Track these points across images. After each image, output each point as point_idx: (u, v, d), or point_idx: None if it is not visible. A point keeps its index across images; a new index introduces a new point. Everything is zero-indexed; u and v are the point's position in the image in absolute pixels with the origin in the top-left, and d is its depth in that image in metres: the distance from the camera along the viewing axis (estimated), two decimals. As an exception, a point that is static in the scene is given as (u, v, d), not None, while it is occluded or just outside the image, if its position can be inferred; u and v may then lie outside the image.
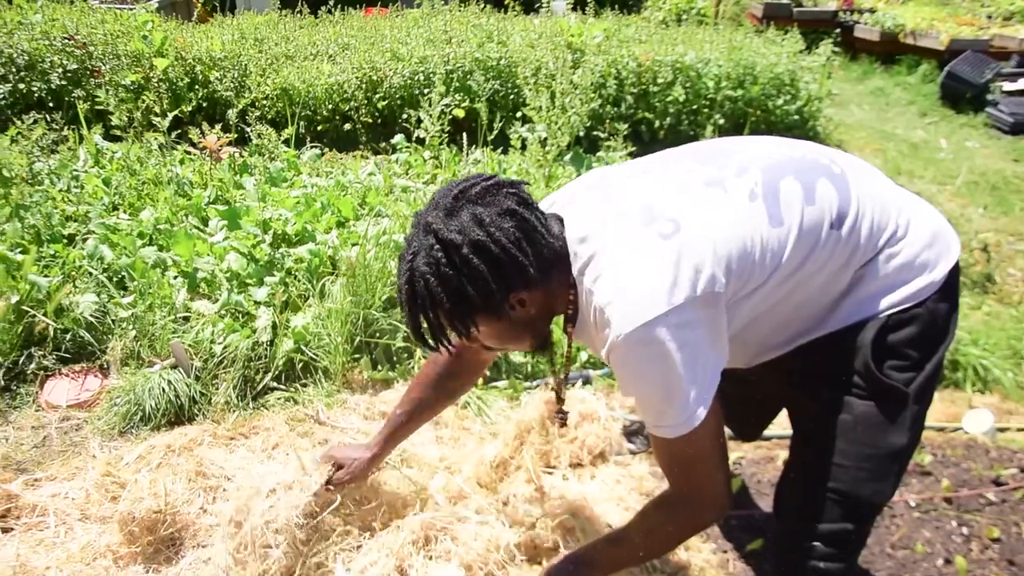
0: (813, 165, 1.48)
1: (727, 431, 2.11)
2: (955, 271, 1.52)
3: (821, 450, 1.56)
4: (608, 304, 1.36)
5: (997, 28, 9.37)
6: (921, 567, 2.26)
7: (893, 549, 2.33)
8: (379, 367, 3.02)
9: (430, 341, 1.46)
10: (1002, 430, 2.97)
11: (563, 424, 1.99)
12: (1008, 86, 7.94)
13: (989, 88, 7.89)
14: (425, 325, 1.43)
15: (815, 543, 1.57)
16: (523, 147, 4.35)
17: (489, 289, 1.37)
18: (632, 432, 2.73)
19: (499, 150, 4.83)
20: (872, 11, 10.17)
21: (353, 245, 3.30)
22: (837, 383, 1.54)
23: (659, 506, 1.59)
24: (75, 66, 5.96)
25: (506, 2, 8.18)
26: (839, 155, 1.55)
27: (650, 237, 1.36)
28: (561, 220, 1.50)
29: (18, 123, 4.25)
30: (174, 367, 2.95)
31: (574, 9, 6.96)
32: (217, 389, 2.93)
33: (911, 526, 2.43)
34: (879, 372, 1.47)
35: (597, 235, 1.42)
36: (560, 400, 1.93)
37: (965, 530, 2.42)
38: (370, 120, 6.11)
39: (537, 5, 7.41)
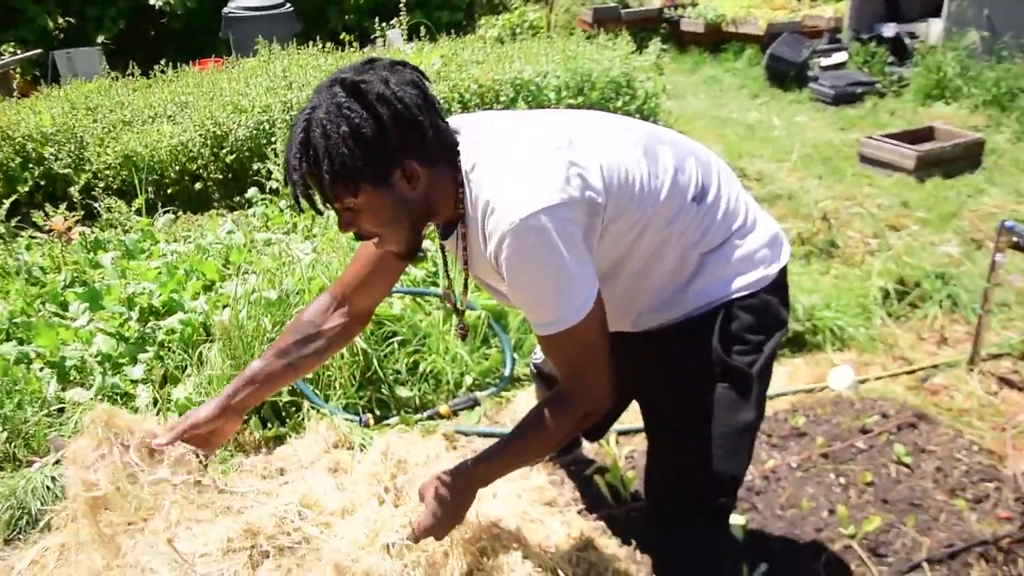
0: (684, 146, 1.65)
1: None
2: (784, 272, 1.70)
3: (679, 433, 1.70)
4: (500, 197, 1.41)
5: (807, 9, 10.14)
6: (809, 521, 2.47)
7: (782, 510, 2.54)
8: (269, 425, 3.04)
9: (316, 202, 1.43)
10: (863, 381, 3.26)
11: (464, 338, 2.00)
12: (824, 61, 8.60)
13: (808, 65, 8.52)
14: (312, 178, 1.38)
15: (686, 518, 1.71)
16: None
17: (387, 142, 1.36)
18: None
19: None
20: (695, 4, 10.79)
21: (224, 307, 3.29)
22: (690, 369, 1.67)
23: (551, 402, 1.63)
24: None
25: (345, 39, 8.21)
26: (708, 152, 1.72)
27: (544, 145, 1.45)
28: (454, 129, 1.54)
29: None
30: (57, 463, 2.86)
31: (409, 39, 7.08)
32: (105, 476, 2.86)
33: (795, 486, 2.64)
34: (727, 356, 1.62)
35: (491, 141, 1.49)
36: (459, 313, 1.88)
37: (843, 480, 2.66)
38: (220, 176, 6.02)
39: (373, 37, 7.48)
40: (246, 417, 3.01)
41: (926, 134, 6.06)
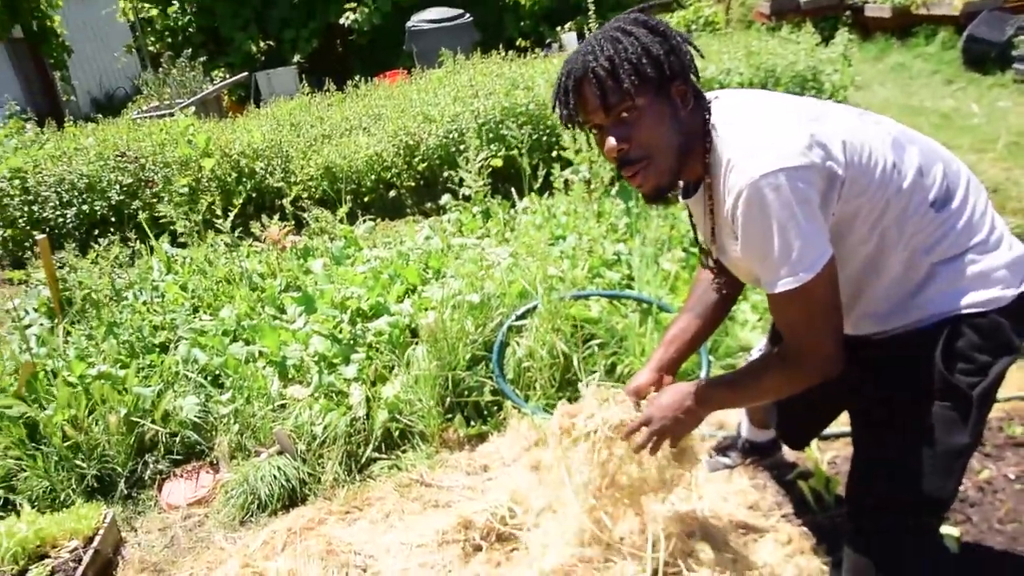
0: (935, 151, 1.61)
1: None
2: (1022, 299, 1.57)
3: (891, 447, 1.64)
4: (741, 155, 1.46)
5: (1011, -17, 9.32)
6: None
7: (1001, 524, 2.34)
8: (472, 423, 3.14)
9: (603, 96, 1.50)
10: None
11: (719, 291, 1.96)
12: (1033, 39, 7.87)
13: (1012, 44, 7.82)
14: (601, 73, 1.48)
15: (880, 539, 1.65)
16: (566, 188, 4.48)
17: (669, 61, 1.49)
18: (724, 448, 2.79)
19: (544, 194, 4.96)
20: (879, -12, 10.20)
21: (428, 310, 3.43)
22: (909, 382, 1.61)
23: (774, 358, 1.66)
24: (130, 180, 6.27)
25: (521, 45, 8.38)
26: (962, 163, 1.66)
27: (791, 114, 1.49)
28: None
29: (95, 246, 4.51)
30: (280, 453, 3.09)
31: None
32: (324, 468, 3.07)
33: (1015, 499, 2.43)
34: (949, 374, 1.54)
35: (738, 105, 1.56)
36: (715, 264, 1.84)
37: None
38: (413, 184, 6.31)
39: (548, 42, 7.57)
40: (449, 416, 3.14)
41: None
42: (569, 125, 1.59)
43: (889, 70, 9.00)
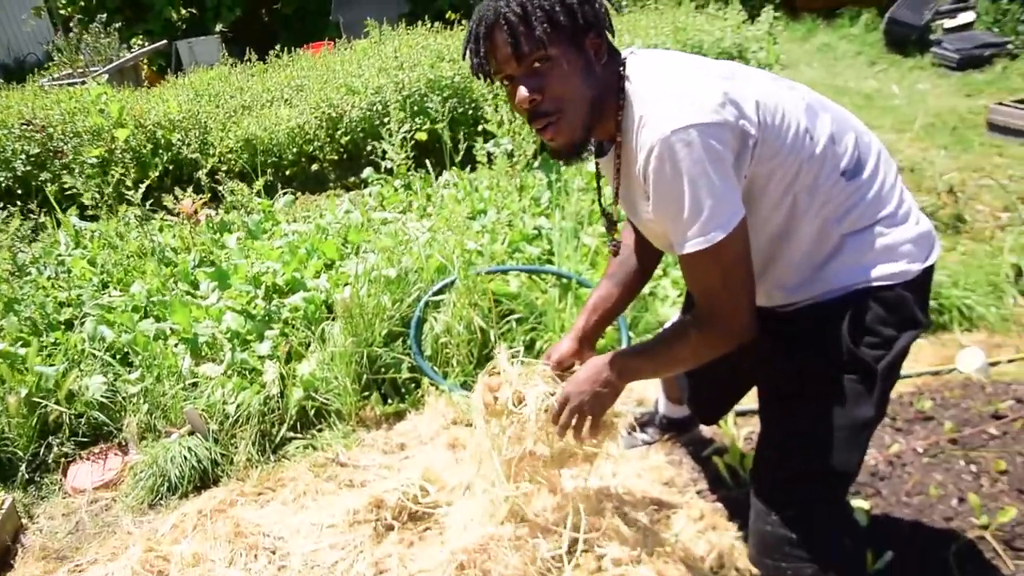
0: (847, 120, 1.60)
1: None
2: (929, 273, 1.60)
3: (792, 422, 1.65)
4: (653, 111, 1.42)
5: (930, -32, 9.55)
6: (937, 509, 2.34)
7: (908, 496, 2.41)
8: (389, 401, 3.10)
9: (518, 42, 1.45)
10: (994, 364, 3.06)
11: (615, 253, 1.97)
12: (948, 23, 8.10)
13: (931, 28, 8.04)
14: (502, 32, 1.44)
15: (789, 512, 1.65)
16: (490, 162, 4.44)
17: (583, 11, 1.45)
18: (642, 424, 2.81)
19: (467, 168, 4.91)
20: (809, -32, 10.36)
21: (345, 286, 3.37)
22: (816, 355, 1.61)
23: (686, 324, 1.61)
24: (37, 150, 5.99)
25: (450, 17, 8.26)
26: (873, 135, 1.65)
27: (706, 73, 1.46)
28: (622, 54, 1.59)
29: (-6, 218, 4.30)
30: (191, 433, 3.01)
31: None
32: (236, 448, 2.99)
33: (922, 472, 2.51)
34: (855, 347, 1.55)
35: (655, 64, 1.51)
36: (613, 225, 1.90)
37: (973, 467, 2.50)
38: (336, 157, 6.18)
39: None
40: (366, 393, 3.09)
41: None
42: (480, 75, 1.53)
43: (815, 50, 9.16)
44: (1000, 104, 5.56)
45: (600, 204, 1.86)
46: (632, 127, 1.48)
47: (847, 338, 1.54)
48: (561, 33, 1.45)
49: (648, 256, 1.95)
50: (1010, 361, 3.09)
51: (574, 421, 1.77)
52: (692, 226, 1.41)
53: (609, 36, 1.53)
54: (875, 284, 1.54)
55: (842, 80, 7.70)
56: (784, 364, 1.69)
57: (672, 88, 1.43)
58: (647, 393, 3.01)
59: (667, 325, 2.18)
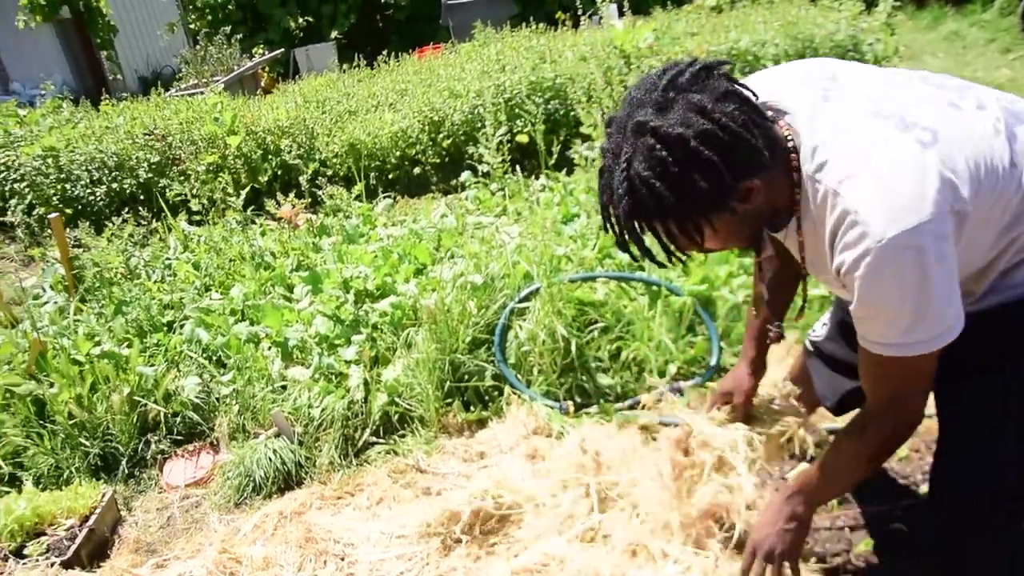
0: None
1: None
2: None
3: (985, 413, 1.52)
4: (864, 207, 1.25)
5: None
6: None
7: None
8: (472, 408, 3.06)
9: (658, 256, 1.38)
10: None
11: (777, 340, 1.90)
12: (1095, 1, 7.46)
13: (1075, 8, 7.43)
14: (651, 237, 1.34)
15: (983, 520, 1.55)
16: (587, 164, 4.35)
17: (721, 182, 1.27)
18: None
19: (563, 170, 4.84)
20: (936, -48, 9.76)
21: (432, 291, 3.36)
22: (1009, 350, 1.48)
23: (855, 426, 1.55)
24: (158, 158, 6.30)
25: (559, 18, 8.20)
26: None
27: (909, 144, 1.27)
28: (778, 110, 1.40)
29: (110, 224, 4.52)
30: (277, 435, 3.06)
31: (621, 14, 6.93)
32: (320, 451, 3.02)
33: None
34: None
35: (839, 135, 1.33)
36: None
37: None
38: (437, 160, 6.22)
39: (588, 14, 7.38)
40: (449, 400, 3.06)
41: None
42: None
43: (942, 39, 8.63)
44: None
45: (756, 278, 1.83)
46: (830, 218, 1.33)
47: None
48: (702, 223, 1.33)
49: (796, 274, 1.79)
50: None
51: (769, 572, 1.65)
52: (895, 333, 1.32)
53: (762, 141, 1.30)
54: None
55: (971, 70, 7.19)
56: (974, 358, 1.50)
57: (878, 176, 1.26)
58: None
59: (816, 328, 2.10)
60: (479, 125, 5.95)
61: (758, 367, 2.01)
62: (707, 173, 1.25)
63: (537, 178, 4.88)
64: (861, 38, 6.52)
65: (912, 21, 9.21)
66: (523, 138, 5.55)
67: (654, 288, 3.21)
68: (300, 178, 5.03)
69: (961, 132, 1.31)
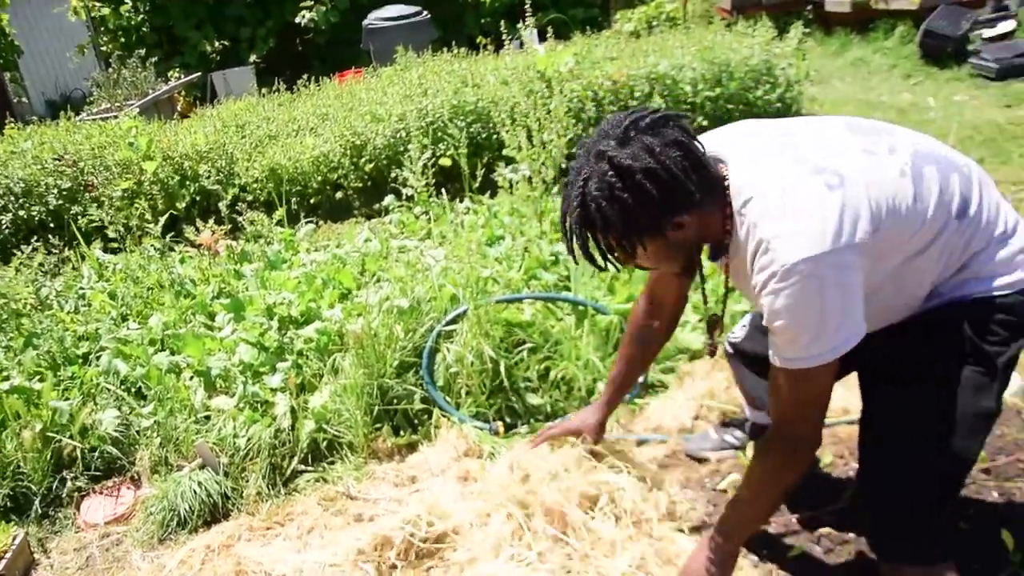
0: (949, 162, 1.67)
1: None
2: None
3: (915, 411, 1.68)
4: (775, 238, 1.49)
5: (968, -23, 9.34)
6: (968, 544, 2.17)
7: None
8: (401, 432, 3.04)
9: (598, 261, 1.62)
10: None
11: (712, 354, 2.09)
12: (987, 32, 7.87)
13: (968, 38, 7.84)
14: (593, 245, 1.59)
15: (912, 497, 1.67)
16: (511, 187, 4.39)
17: (656, 212, 1.52)
18: (730, 424, 2.74)
19: (487, 193, 4.87)
20: (840, -17, 10.18)
21: (358, 316, 3.33)
22: (938, 349, 1.67)
23: (762, 452, 1.72)
24: (69, 184, 6.09)
25: (481, 42, 8.27)
26: (969, 161, 1.74)
27: (818, 186, 1.51)
28: (720, 159, 1.65)
29: (18, 253, 4.35)
30: (202, 467, 2.98)
31: (542, 39, 7.03)
32: (247, 481, 2.96)
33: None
34: (980, 342, 1.62)
35: (761, 175, 1.57)
36: (713, 329, 2.04)
37: (1007, 499, 2.37)
38: (360, 184, 6.19)
39: (509, 38, 7.48)
40: (378, 425, 3.04)
41: None
42: None
43: (849, 64, 9.00)
44: (1041, 113, 5.38)
45: (704, 305, 2.02)
46: (749, 246, 1.56)
47: (970, 330, 1.62)
48: (636, 244, 1.57)
49: (674, 314, 2.21)
50: (1049, 386, 2.93)
51: None
52: (798, 348, 1.53)
53: (698, 184, 1.54)
54: (996, 293, 1.62)
55: (876, 94, 7.53)
56: (903, 360, 1.73)
57: (789, 209, 1.50)
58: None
59: (735, 331, 2.37)
60: (402, 149, 5.94)
61: (610, 407, 2.45)
62: (646, 203, 1.50)
63: (461, 201, 4.91)
64: (775, 63, 6.77)
65: (821, 47, 9.59)
66: (446, 161, 5.57)
67: (580, 308, 3.27)
68: (220, 204, 4.94)
69: (867, 176, 1.54)
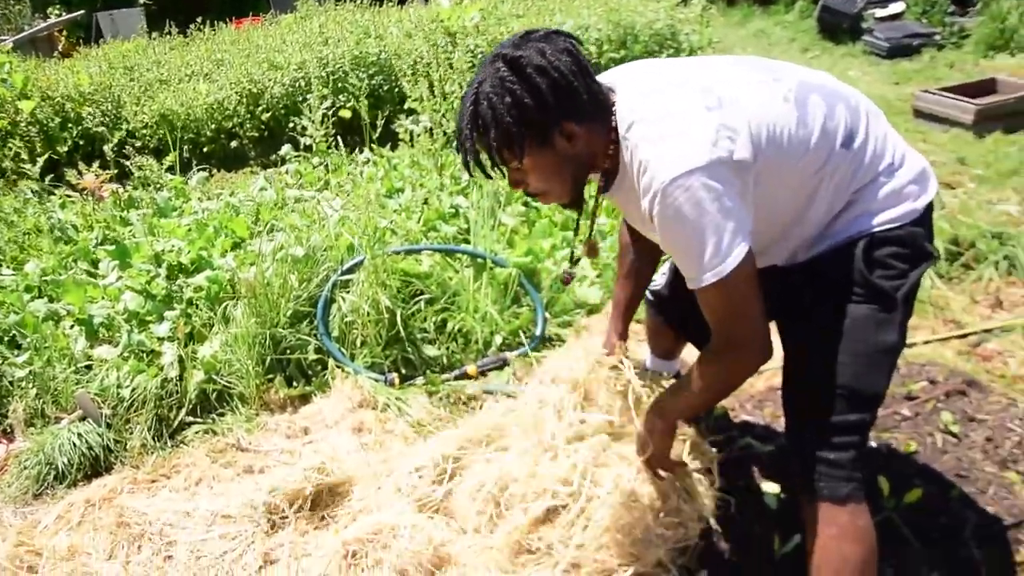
0: (835, 92, 1.67)
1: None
2: (931, 206, 1.70)
3: (823, 351, 1.70)
4: (653, 159, 1.49)
5: (865, -43, 9.65)
6: None
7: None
8: (295, 383, 2.98)
9: (487, 168, 1.60)
10: (910, 346, 3.05)
11: (567, 283, 2.12)
12: (880, 12, 8.18)
13: (863, 16, 8.13)
14: (482, 146, 1.56)
15: (825, 434, 1.70)
16: (412, 139, 4.33)
17: (546, 108, 1.50)
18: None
19: (388, 145, 4.79)
20: (744, -45, 10.39)
21: (251, 265, 3.24)
22: (835, 290, 1.69)
23: (707, 356, 1.70)
24: (-67, 122, 5.67)
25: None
26: (857, 93, 1.74)
27: (696, 107, 1.52)
28: (610, 88, 1.64)
29: None
30: (83, 419, 2.86)
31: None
32: (131, 433, 2.86)
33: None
34: (871, 277, 1.64)
35: (646, 100, 1.57)
36: (575, 262, 2.12)
37: (885, 448, 2.47)
38: (256, 134, 5.99)
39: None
40: (271, 376, 2.97)
41: (987, 87, 5.62)
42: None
43: (751, 35, 9.21)
44: (925, 91, 5.62)
45: (590, 233, 1.98)
46: (634, 170, 1.57)
47: (863, 268, 1.64)
48: (529, 142, 1.55)
49: (652, 247, 2.11)
50: (926, 343, 3.07)
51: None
52: (700, 263, 1.52)
53: (589, 97, 1.56)
54: (886, 227, 1.64)
55: (775, 66, 7.74)
56: (803, 305, 1.76)
57: (667, 130, 1.51)
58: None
59: (656, 279, 2.33)
60: (300, 98, 5.77)
61: (624, 337, 2.30)
62: (536, 97, 1.49)
63: (361, 152, 4.81)
64: (678, 28, 6.86)
65: (724, 17, 9.78)
66: (346, 113, 5.44)
67: (479, 260, 3.26)
68: (105, 148, 4.68)
69: (748, 100, 1.56)
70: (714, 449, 2.21)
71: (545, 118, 1.52)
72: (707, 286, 1.54)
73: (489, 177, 1.64)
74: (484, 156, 1.58)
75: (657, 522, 1.96)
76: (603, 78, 1.67)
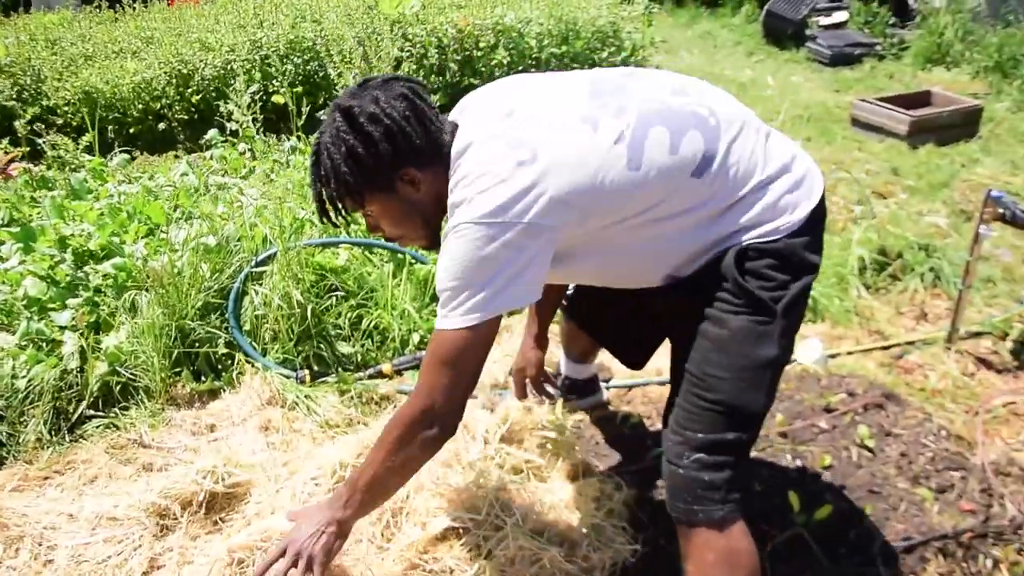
0: (689, 116, 1.59)
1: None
2: (816, 211, 1.65)
3: (700, 365, 1.65)
4: (456, 204, 1.51)
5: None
6: (759, 505, 2.23)
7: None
8: (203, 378, 2.89)
9: (332, 216, 1.62)
10: (833, 356, 3.06)
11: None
12: (824, 20, 8.35)
13: (807, 23, 8.27)
14: (327, 196, 1.59)
15: (700, 454, 1.63)
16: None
17: (380, 156, 1.53)
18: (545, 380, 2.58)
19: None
20: (690, -44, 10.47)
21: (162, 253, 3.12)
22: (710, 301, 1.64)
23: (394, 421, 1.61)
24: None
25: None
26: (723, 106, 1.67)
27: (508, 164, 1.48)
28: (455, 126, 1.65)
29: None
30: (-21, 410, 2.72)
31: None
32: (25, 427, 2.73)
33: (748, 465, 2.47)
34: (748, 286, 1.59)
35: (471, 148, 1.56)
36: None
37: (799, 462, 2.45)
38: (186, 116, 5.82)
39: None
40: (178, 370, 2.88)
41: (923, 99, 5.76)
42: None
43: (697, 37, 9.29)
44: (863, 101, 5.72)
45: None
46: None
47: (736, 276, 1.58)
48: (365, 193, 1.58)
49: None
50: (849, 353, 3.08)
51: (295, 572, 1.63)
52: (451, 304, 1.51)
53: (424, 140, 1.58)
54: (762, 241, 1.59)
55: (720, 68, 7.80)
56: (683, 318, 1.71)
57: (479, 187, 1.48)
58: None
59: None
60: (232, 81, 5.61)
61: (542, 340, 2.37)
62: (370, 147, 1.53)
63: (288, 139, 4.70)
64: (621, 26, 6.86)
65: (672, 18, 9.85)
66: (279, 99, 5.31)
67: (399, 256, 3.20)
68: (17, 123, 4.48)
69: (567, 153, 1.50)
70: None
71: (380, 166, 1.55)
72: (447, 330, 1.51)
73: (336, 226, 1.67)
74: (328, 202, 1.61)
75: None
76: (458, 107, 1.71)
